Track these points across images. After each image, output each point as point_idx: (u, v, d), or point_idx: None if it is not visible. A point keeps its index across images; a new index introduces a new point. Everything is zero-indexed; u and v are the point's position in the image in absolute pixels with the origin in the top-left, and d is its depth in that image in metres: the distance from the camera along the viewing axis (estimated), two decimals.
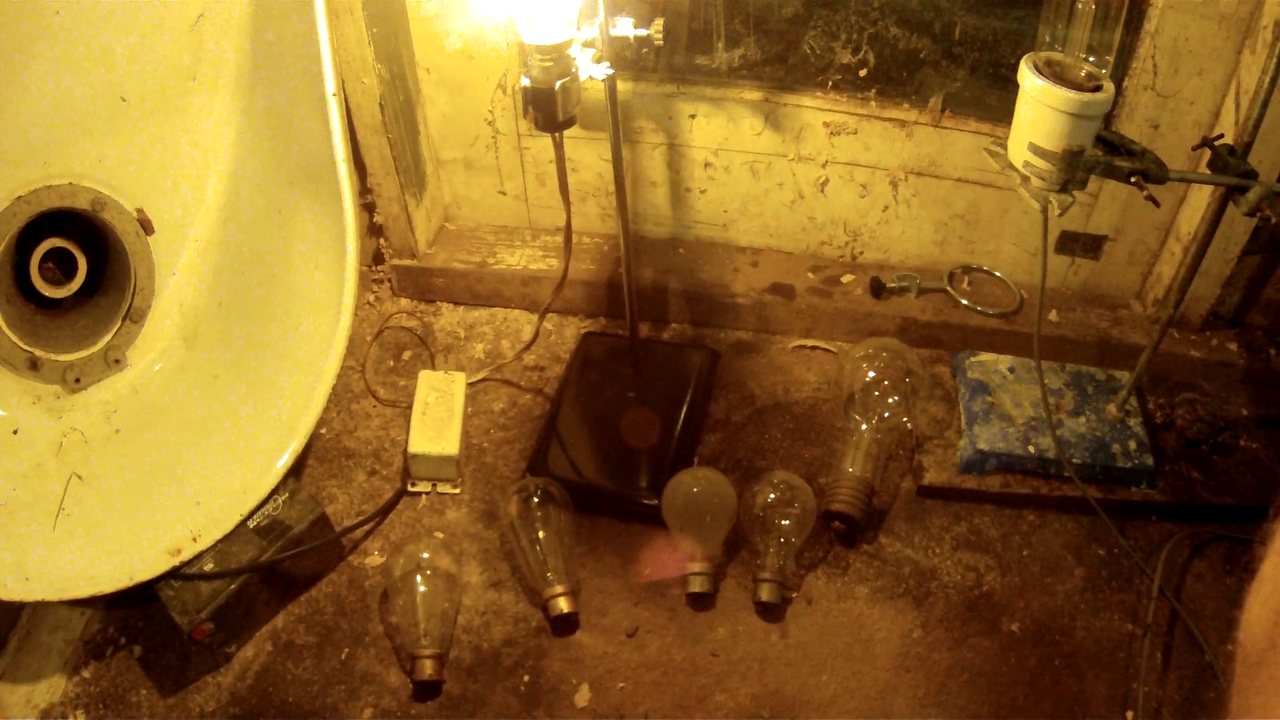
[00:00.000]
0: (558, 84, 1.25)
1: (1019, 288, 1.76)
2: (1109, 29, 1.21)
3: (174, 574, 1.31)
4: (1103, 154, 1.26)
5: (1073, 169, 1.22)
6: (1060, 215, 1.24)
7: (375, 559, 1.47)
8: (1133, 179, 1.24)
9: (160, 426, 1.47)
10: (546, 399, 1.68)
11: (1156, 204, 1.25)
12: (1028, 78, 1.19)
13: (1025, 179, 1.27)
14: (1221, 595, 1.46)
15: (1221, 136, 1.32)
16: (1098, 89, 1.17)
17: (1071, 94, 1.16)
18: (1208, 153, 1.33)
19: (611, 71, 1.28)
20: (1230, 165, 1.28)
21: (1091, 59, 1.21)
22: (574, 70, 1.27)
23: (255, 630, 1.40)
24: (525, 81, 1.26)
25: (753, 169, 1.72)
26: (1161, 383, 1.69)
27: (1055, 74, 1.19)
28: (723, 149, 1.70)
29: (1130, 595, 1.45)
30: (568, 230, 1.46)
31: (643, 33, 1.30)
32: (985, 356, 1.67)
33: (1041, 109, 1.19)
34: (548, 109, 1.26)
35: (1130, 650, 1.39)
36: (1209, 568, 1.49)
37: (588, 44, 1.30)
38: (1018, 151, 1.26)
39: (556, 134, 1.32)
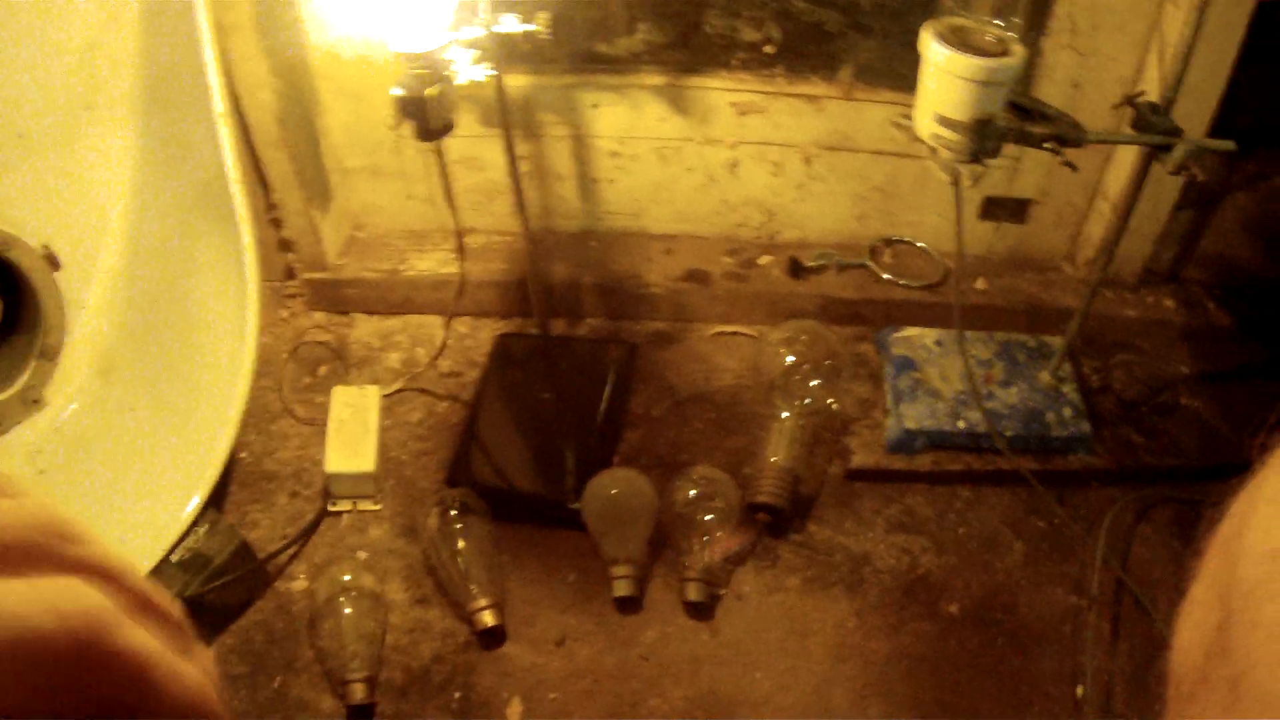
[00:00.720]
0: (428, 92, 1.21)
1: (943, 257, 1.73)
2: None
3: None
4: (1015, 120, 1.21)
5: (983, 138, 1.18)
6: (972, 186, 1.20)
7: (301, 583, 1.44)
8: (1047, 144, 1.20)
9: (83, 464, 1.44)
10: (464, 405, 1.64)
11: (1074, 168, 1.22)
12: (930, 46, 1.15)
13: (934, 151, 1.23)
14: (1170, 559, 1.43)
15: (1143, 93, 1.29)
16: (1005, 54, 1.13)
17: (977, 61, 1.12)
18: (1119, 108, 1.30)
19: (494, 72, 1.24)
20: (1153, 123, 1.24)
21: (998, 22, 1.17)
22: (447, 75, 1.23)
23: None
24: (397, 91, 1.22)
25: (661, 155, 1.68)
26: (1096, 345, 1.66)
27: (960, 41, 1.14)
28: (629, 137, 1.66)
29: (1074, 566, 1.43)
30: (459, 238, 1.43)
31: (529, 27, 1.26)
32: (910, 331, 1.63)
33: (946, 78, 1.15)
34: (421, 118, 1.23)
35: (1076, 623, 1.37)
36: (1155, 532, 1.46)
37: (470, 44, 1.26)
38: (924, 123, 1.22)
39: (435, 143, 1.29)
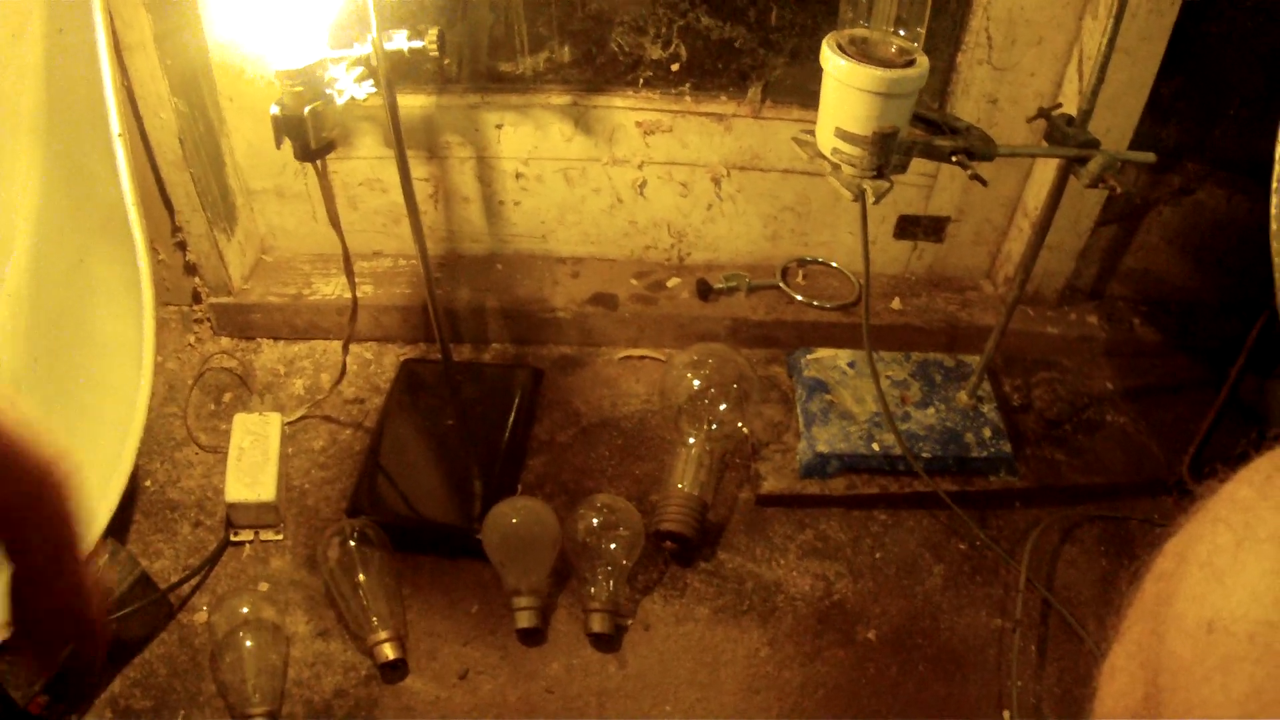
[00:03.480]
0: (307, 110, 1.17)
1: (857, 278, 1.70)
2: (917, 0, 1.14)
3: (4, 648, 1.24)
4: (921, 134, 1.19)
5: (886, 152, 1.14)
6: (875, 203, 1.16)
7: (204, 615, 1.40)
8: (955, 158, 1.17)
9: None
10: (367, 433, 1.61)
11: (983, 183, 1.18)
12: (829, 59, 1.11)
13: (836, 167, 1.19)
14: (1098, 579, 1.41)
15: (1059, 106, 1.26)
16: (910, 64, 1.10)
17: (878, 71, 1.08)
18: (1034, 121, 1.27)
19: (374, 90, 1.20)
20: (1068, 135, 1.22)
21: (902, 33, 1.14)
22: (328, 93, 1.20)
23: (93, 699, 1.33)
24: (274, 109, 1.18)
25: (566, 176, 1.65)
26: (1017, 363, 1.64)
27: (861, 52, 1.11)
28: (533, 158, 1.63)
29: (998, 589, 1.40)
30: (347, 263, 1.40)
31: (418, 44, 1.23)
32: (823, 353, 1.60)
33: (846, 91, 1.11)
34: (300, 137, 1.19)
35: (1001, 646, 1.34)
36: (1082, 552, 1.44)
37: (355, 62, 1.22)
38: (826, 138, 1.19)
39: (318, 163, 1.25)
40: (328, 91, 1.21)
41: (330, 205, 1.32)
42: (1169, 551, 0.41)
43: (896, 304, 1.66)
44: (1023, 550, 1.43)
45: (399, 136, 1.23)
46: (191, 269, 1.68)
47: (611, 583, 1.35)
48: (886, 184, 1.18)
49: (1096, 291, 1.70)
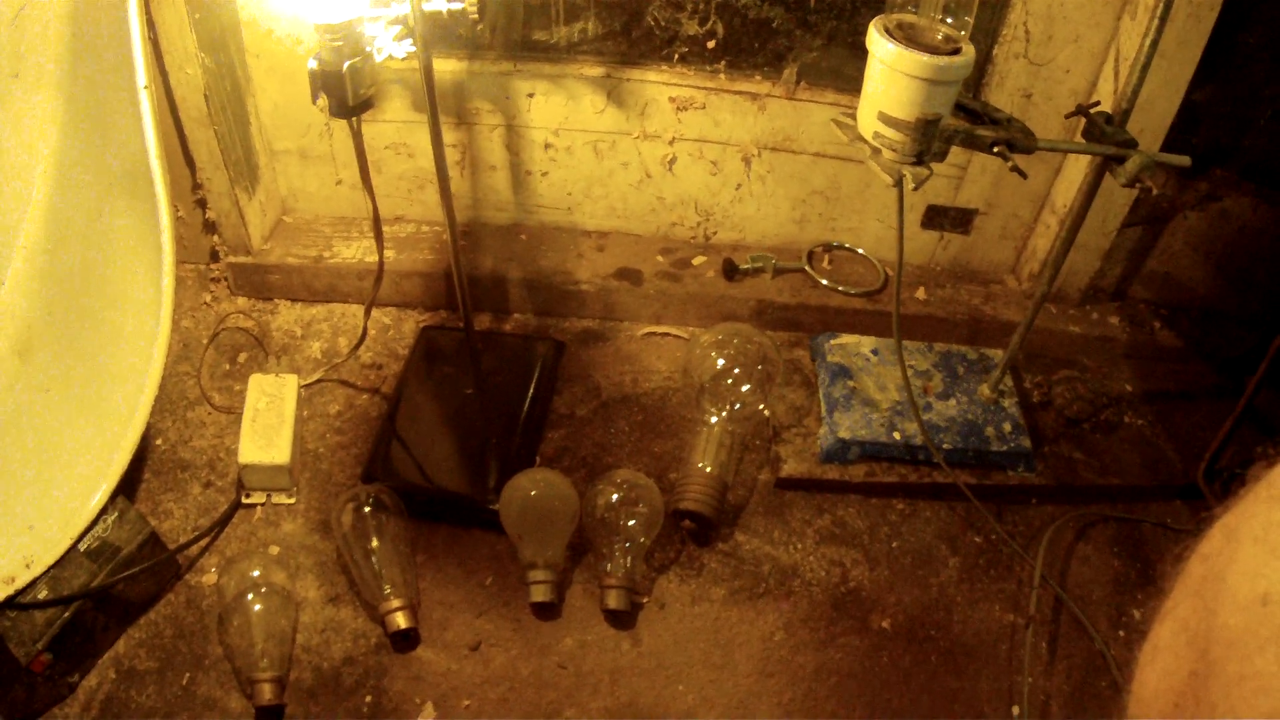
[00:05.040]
0: (346, 65, 1.15)
1: (883, 265, 1.69)
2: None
3: (8, 604, 1.22)
4: (963, 122, 1.18)
5: (928, 139, 1.13)
6: (915, 189, 1.15)
7: (212, 577, 1.39)
8: (995, 149, 1.17)
9: None
10: (384, 399, 1.59)
11: (1023, 175, 1.17)
12: (878, 42, 1.10)
13: (876, 151, 1.18)
14: (1110, 579, 1.41)
15: (1098, 104, 1.25)
16: (955, 52, 1.09)
17: (925, 57, 1.07)
18: (1083, 121, 1.26)
19: (413, 49, 1.19)
20: (1107, 134, 1.21)
21: (949, 20, 1.13)
22: (367, 50, 1.18)
23: (97, 658, 1.31)
24: (313, 64, 1.16)
25: (596, 149, 1.64)
26: (1038, 360, 1.63)
27: (908, 37, 1.10)
28: (564, 129, 1.62)
29: (1011, 584, 1.39)
30: (376, 223, 1.38)
31: (456, 6, 1.21)
32: (846, 339, 1.59)
33: (892, 75, 1.10)
34: (338, 93, 1.17)
35: (1013, 642, 1.34)
36: (1095, 551, 1.43)
37: (394, 21, 1.21)
38: (868, 122, 1.18)
39: (353, 120, 1.23)
40: (367, 49, 1.19)
41: (363, 164, 1.30)
42: (1216, 531, 0.41)
43: (921, 294, 1.65)
44: (1038, 546, 1.42)
45: (433, 100, 1.21)
46: (210, 227, 1.66)
47: (629, 559, 1.34)
48: (926, 171, 1.17)
49: (1119, 292, 1.69)
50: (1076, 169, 1.51)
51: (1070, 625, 1.35)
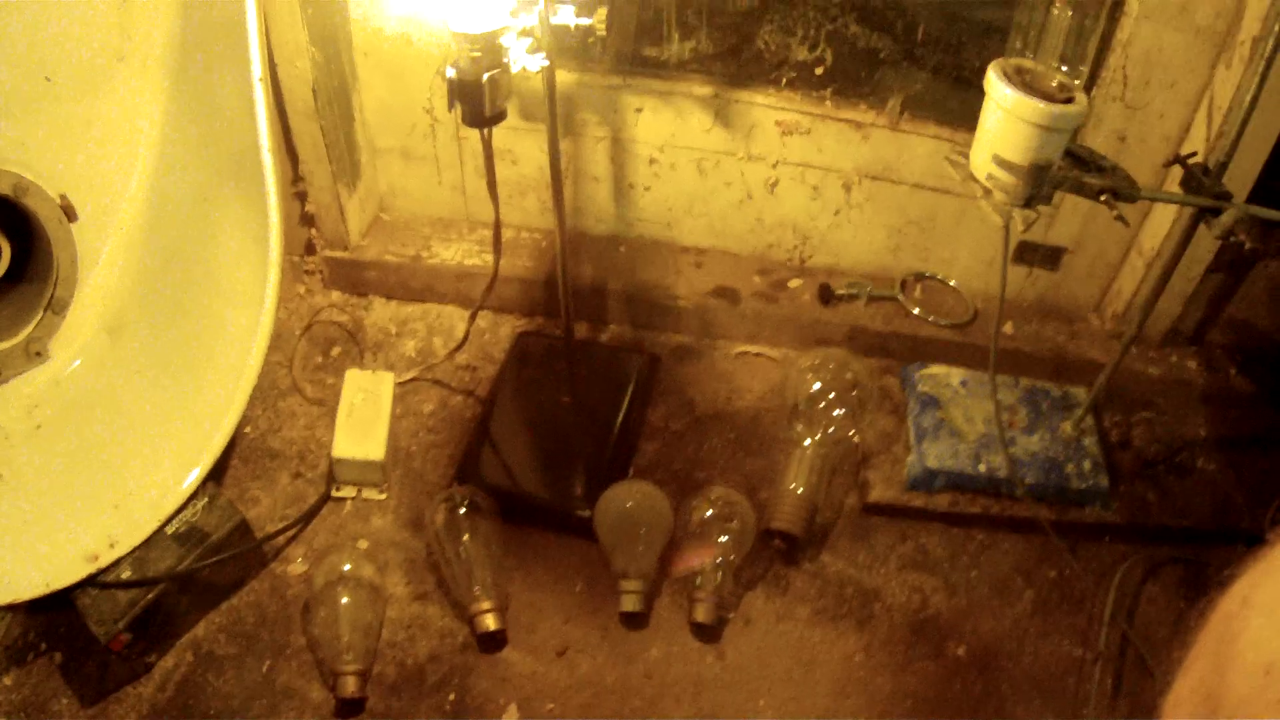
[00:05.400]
0: (485, 76, 1.17)
1: (973, 297, 1.71)
2: (1085, 39, 1.14)
3: (90, 581, 1.24)
4: (1071, 169, 1.19)
5: (1039, 184, 1.15)
6: (1024, 232, 1.17)
7: (298, 567, 1.40)
8: (1102, 197, 1.18)
9: (81, 423, 1.40)
10: (478, 401, 1.60)
11: (1125, 223, 1.19)
12: (996, 86, 1.12)
13: (987, 192, 1.20)
14: (1174, 620, 1.42)
15: (1195, 155, 1.27)
16: (1069, 100, 1.11)
17: (1043, 105, 1.09)
18: (1175, 168, 1.28)
19: (547, 64, 1.20)
20: (1204, 185, 1.22)
21: (1064, 68, 1.14)
22: (505, 61, 1.19)
23: (175, 640, 1.33)
24: (451, 73, 1.18)
25: (700, 167, 1.65)
26: (1117, 400, 1.64)
27: (1025, 83, 1.12)
28: (669, 145, 1.63)
29: (1081, 619, 1.40)
30: (496, 230, 1.39)
31: (585, 21, 1.23)
32: (936, 369, 1.61)
33: (1009, 120, 1.12)
34: (474, 103, 1.18)
35: (1079, 676, 1.34)
36: (1162, 591, 1.44)
37: (524, 33, 1.22)
38: (981, 163, 1.19)
39: (485, 130, 1.25)
40: (504, 60, 1.20)
41: (490, 174, 1.31)
42: (1235, 593, 0.43)
43: (1009, 328, 1.67)
44: (1109, 584, 1.43)
45: (553, 113, 1.23)
46: (308, 220, 1.67)
47: (719, 574, 1.35)
48: (1034, 214, 1.19)
49: (1197, 336, 1.71)
50: (1165, 213, 1.52)
51: (1134, 664, 1.36)
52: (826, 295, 1.69)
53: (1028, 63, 1.15)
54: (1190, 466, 1.59)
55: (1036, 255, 1.64)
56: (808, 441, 1.46)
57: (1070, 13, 1.16)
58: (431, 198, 1.75)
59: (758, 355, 1.72)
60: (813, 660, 1.34)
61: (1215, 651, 0.42)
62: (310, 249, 1.72)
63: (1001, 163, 1.16)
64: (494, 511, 1.40)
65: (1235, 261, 1.61)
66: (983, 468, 1.48)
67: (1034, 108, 1.09)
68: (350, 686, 1.26)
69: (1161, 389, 1.66)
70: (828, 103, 1.56)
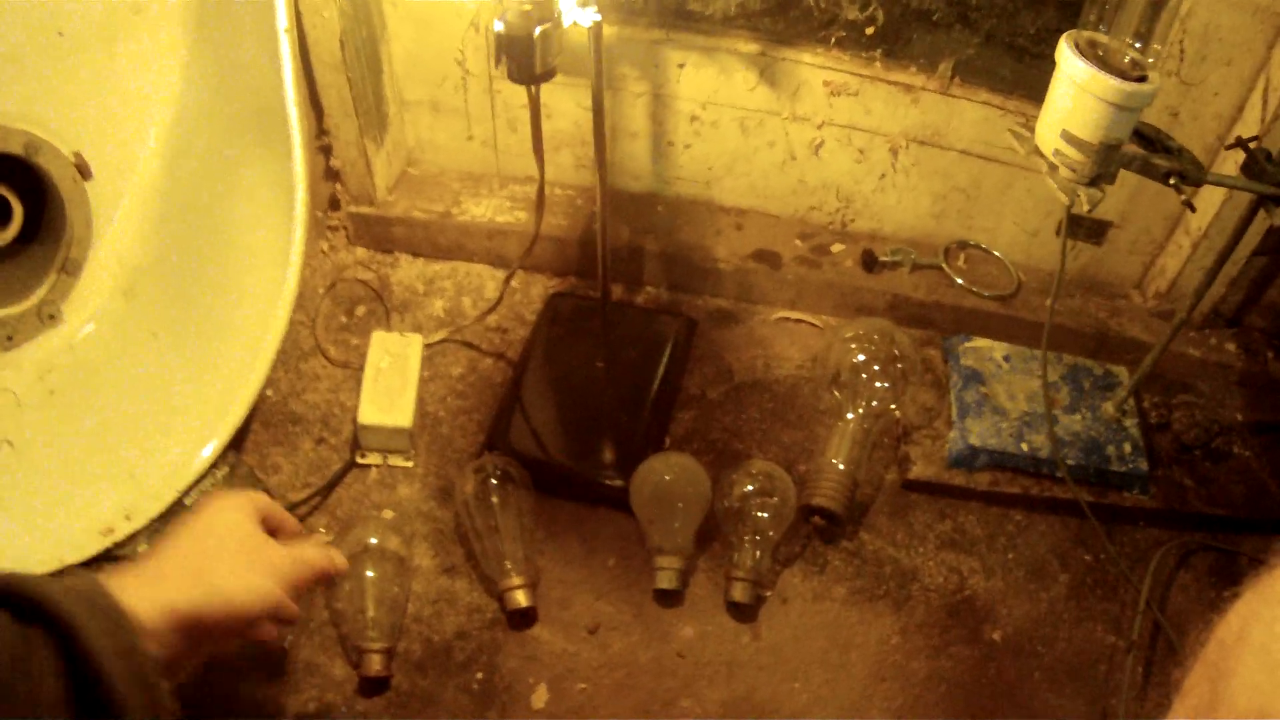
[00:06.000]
0: (537, 31, 1.10)
1: (1016, 269, 1.67)
2: (1159, 16, 1.10)
3: (106, 556, 1.18)
4: (1140, 149, 1.15)
5: (1108, 163, 1.11)
6: (1089, 211, 1.13)
7: (321, 538, 1.35)
8: (1171, 180, 1.14)
9: (96, 389, 1.35)
10: (509, 364, 1.55)
11: (1192, 209, 1.16)
12: (1070, 60, 1.07)
13: (1053, 168, 1.16)
14: (1205, 609, 1.37)
15: (1258, 139, 1.23)
16: (1142, 79, 1.06)
17: (1117, 83, 1.04)
18: (1227, 148, 1.24)
19: (599, 18, 1.14)
20: (1268, 172, 1.18)
21: (1137, 45, 1.10)
22: (557, 14, 1.13)
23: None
24: (499, 26, 1.11)
25: (743, 125, 1.60)
26: (1157, 381, 1.61)
27: (1099, 58, 1.07)
28: (711, 102, 1.58)
29: (1115, 605, 1.38)
30: (540, 191, 1.34)
31: None
32: (980, 343, 1.57)
33: (1082, 95, 1.08)
34: (524, 59, 1.12)
35: (1111, 664, 1.32)
36: (1194, 579, 1.42)
37: None
38: (1048, 137, 1.15)
39: (532, 87, 1.19)
40: (556, 14, 1.14)
41: (537, 132, 1.25)
42: (1232, 620, 0.44)
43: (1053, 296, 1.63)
44: (1145, 571, 1.40)
45: (599, 71, 1.18)
46: (333, 175, 1.61)
47: (758, 552, 1.32)
48: (1100, 194, 1.15)
49: (1236, 319, 1.67)
50: (1215, 193, 1.49)
51: (1165, 652, 1.33)
52: (870, 262, 1.64)
53: (1101, 36, 1.11)
54: (1227, 452, 1.56)
55: (1081, 229, 1.58)
56: (850, 415, 1.42)
57: None
58: (461, 152, 1.69)
59: (798, 322, 1.67)
60: (849, 642, 1.31)
61: (1212, 682, 0.42)
62: (335, 204, 1.66)
63: (1070, 139, 1.12)
64: (527, 482, 1.35)
65: (1278, 246, 1.57)
66: (1025, 447, 1.45)
67: (1108, 85, 1.05)
68: (375, 665, 1.22)
69: (1201, 371, 1.63)
70: (877, 64, 1.51)
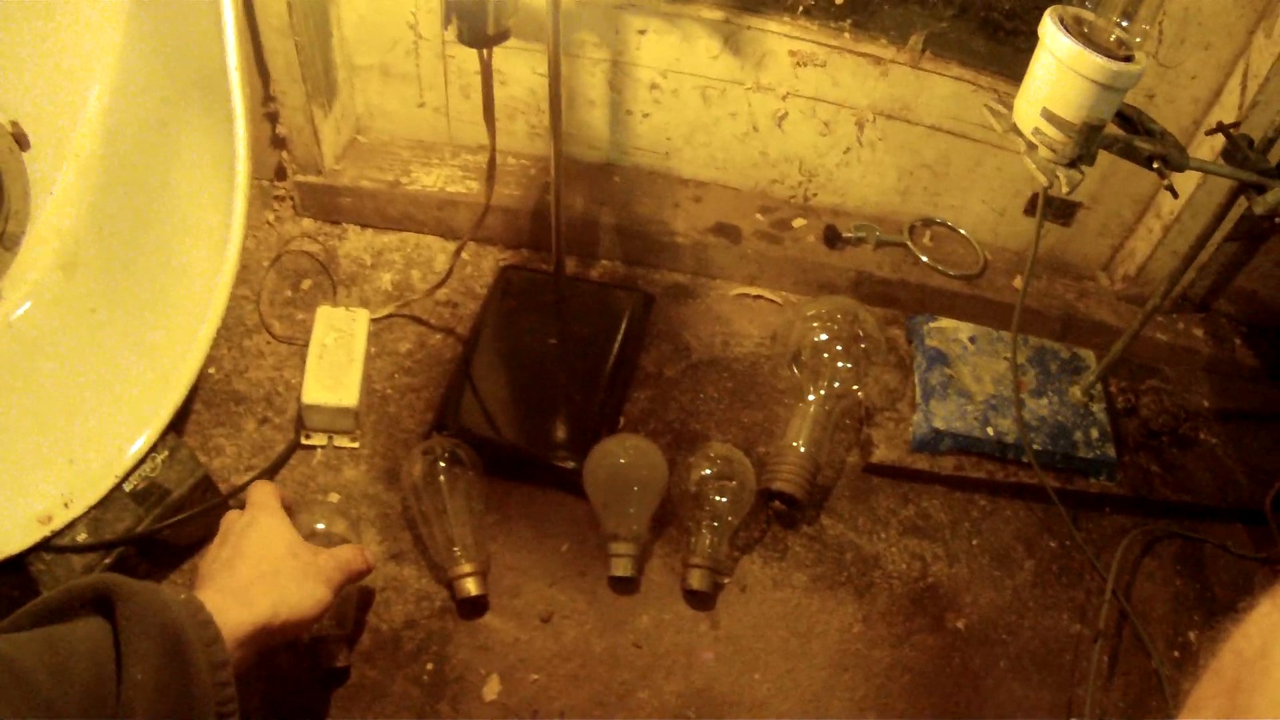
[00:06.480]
0: None
1: (983, 248, 1.63)
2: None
3: (45, 545, 1.13)
4: (1122, 131, 1.12)
5: (1089, 144, 1.07)
6: (1069, 193, 1.09)
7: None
8: (1154, 164, 1.11)
9: (33, 370, 1.29)
10: (459, 340, 1.50)
11: (1174, 194, 1.13)
12: (1054, 35, 1.03)
13: (1032, 147, 1.12)
14: (1170, 597, 1.38)
15: (1239, 125, 1.21)
16: (1129, 59, 1.02)
17: (1103, 61, 1.00)
18: (1205, 133, 1.21)
19: None
20: (1250, 160, 1.16)
21: (1125, 24, 1.06)
22: None
23: None
24: None
25: (704, 95, 1.55)
26: (1123, 365, 1.58)
27: (1084, 35, 1.03)
28: (672, 70, 1.52)
29: (1080, 593, 1.35)
30: (491, 160, 1.28)
31: None
32: (945, 323, 1.53)
33: (1065, 73, 1.04)
34: (474, 19, 1.07)
35: (1077, 653, 1.30)
36: (1160, 567, 1.40)
37: None
38: (1027, 115, 1.11)
39: (484, 51, 1.13)
40: None
41: (488, 99, 1.20)
42: (1252, 633, 0.41)
43: (1018, 283, 1.60)
44: (1110, 558, 1.39)
45: (556, 34, 1.13)
46: (280, 142, 1.55)
47: (716, 538, 1.28)
48: (1079, 175, 1.11)
49: (1203, 304, 1.65)
50: (1189, 178, 1.46)
51: (1131, 641, 1.32)
52: (832, 237, 1.60)
53: (1087, 13, 1.07)
54: (1193, 438, 1.55)
55: (1050, 209, 1.56)
56: (811, 396, 1.38)
57: None
58: (412, 119, 1.63)
59: (757, 298, 1.63)
60: (810, 631, 1.27)
61: (1230, 696, 0.40)
62: (281, 174, 1.59)
63: (1051, 118, 1.08)
64: (477, 465, 1.30)
65: (1252, 233, 1.55)
66: (990, 431, 1.42)
67: (1094, 63, 1.01)
68: (339, 657, 1.16)
69: (1169, 356, 1.61)
70: (846, 35, 1.46)
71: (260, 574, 0.99)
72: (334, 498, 1.32)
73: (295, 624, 0.97)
